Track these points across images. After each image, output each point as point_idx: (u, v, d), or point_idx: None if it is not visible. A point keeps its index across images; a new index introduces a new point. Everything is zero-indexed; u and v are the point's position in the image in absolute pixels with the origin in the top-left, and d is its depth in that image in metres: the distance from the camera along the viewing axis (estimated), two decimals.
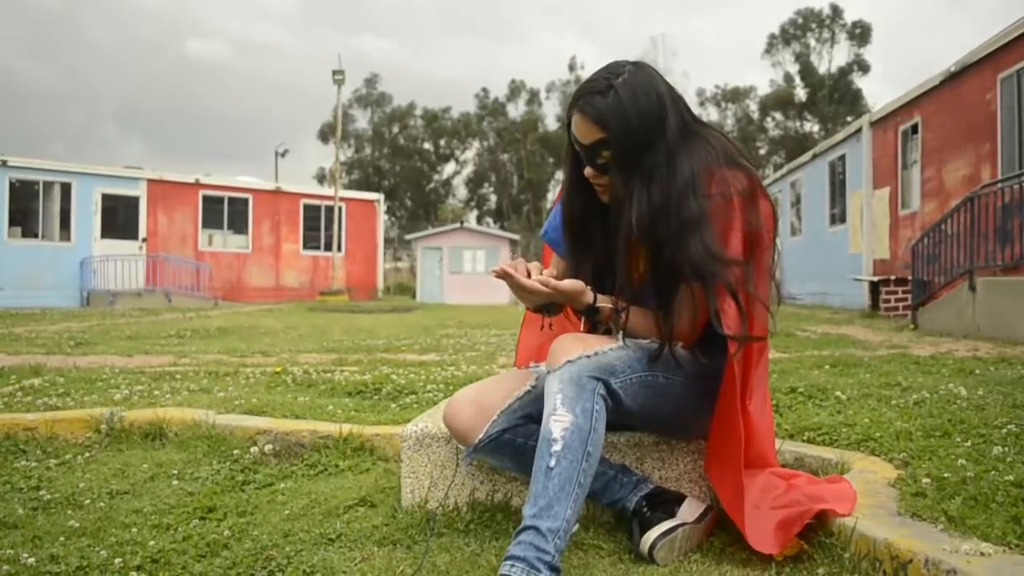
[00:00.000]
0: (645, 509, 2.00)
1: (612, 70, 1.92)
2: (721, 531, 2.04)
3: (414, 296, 29.13)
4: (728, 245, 1.86)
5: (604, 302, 1.99)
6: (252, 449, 2.99)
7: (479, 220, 61.17)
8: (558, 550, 1.65)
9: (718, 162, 1.91)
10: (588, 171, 1.96)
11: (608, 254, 2.04)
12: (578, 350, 1.84)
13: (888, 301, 12.32)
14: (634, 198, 1.90)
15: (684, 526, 1.95)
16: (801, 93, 56.19)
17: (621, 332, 1.96)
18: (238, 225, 24.43)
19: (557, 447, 1.72)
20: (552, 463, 1.71)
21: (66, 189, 20.75)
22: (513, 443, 2.07)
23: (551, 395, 1.80)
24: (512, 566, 1.61)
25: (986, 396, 3.44)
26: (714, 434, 2.03)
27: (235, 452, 2.99)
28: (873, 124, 15.14)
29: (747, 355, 1.93)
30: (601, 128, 1.88)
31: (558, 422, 1.75)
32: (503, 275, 1.91)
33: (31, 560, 1.91)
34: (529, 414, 2.09)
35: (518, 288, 1.92)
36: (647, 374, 1.91)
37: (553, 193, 62.20)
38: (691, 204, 1.86)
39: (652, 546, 1.89)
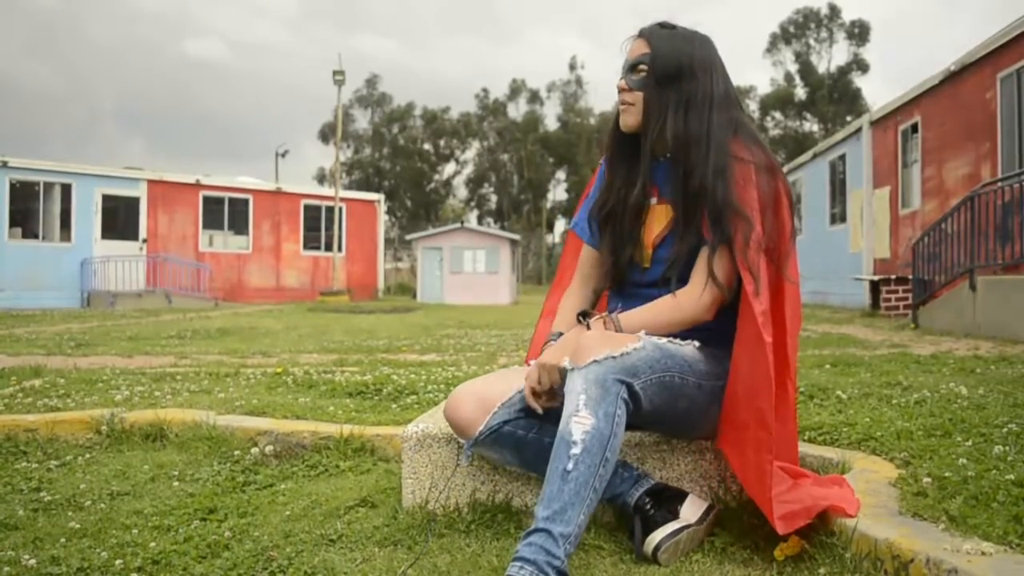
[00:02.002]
0: (648, 507, 1.99)
1: (688, 28, 2.14)
2: (722, 530, 2.04)
3: (415, 296, 29.11)
4: (744, 202, 1.96)
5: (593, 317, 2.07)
6: (253, 450, 2.99)
7: (479, 220, 61.23)
8: (567, 555, 1.65)
9: (745, 135, 2.07)
10: (619, 83, 2.11)
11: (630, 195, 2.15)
12: (605, 349, 1.82)
13: (888, 300, 12.31)
14: (668, 114, 2.04)
15: (688, 528, 1.94)
16: (801, 92, 56.20)
17: (644, 331, 1.97)
18: (238, 226, 24.42)
19: (576, 450, 1.71)
20: (570, 466, 1.70)
21: (66, 190, 20.75)
22: (513, 436, 2.07)
23: (574, 394, 1.78)
24: (521, 568, 1.60)
25: (987, 395, 3.43)
26: (737, 406, 1.99)
27: (236, 453, 2.99)
28: (873, 123, 15.14)
29: (780, 321, 1.96)
30: (647, 44, 2.08)
31: (579, 424, 1.73)
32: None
33: (32, 562, 1.91)
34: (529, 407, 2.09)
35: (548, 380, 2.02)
36: (665, 374, 1.90)
37: (553, 193, 62.28)
38: (726, 149, 2.01)
39: (657, 547, 1.88)
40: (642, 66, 2.07)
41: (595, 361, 1.80)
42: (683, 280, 2.06)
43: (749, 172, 1.99)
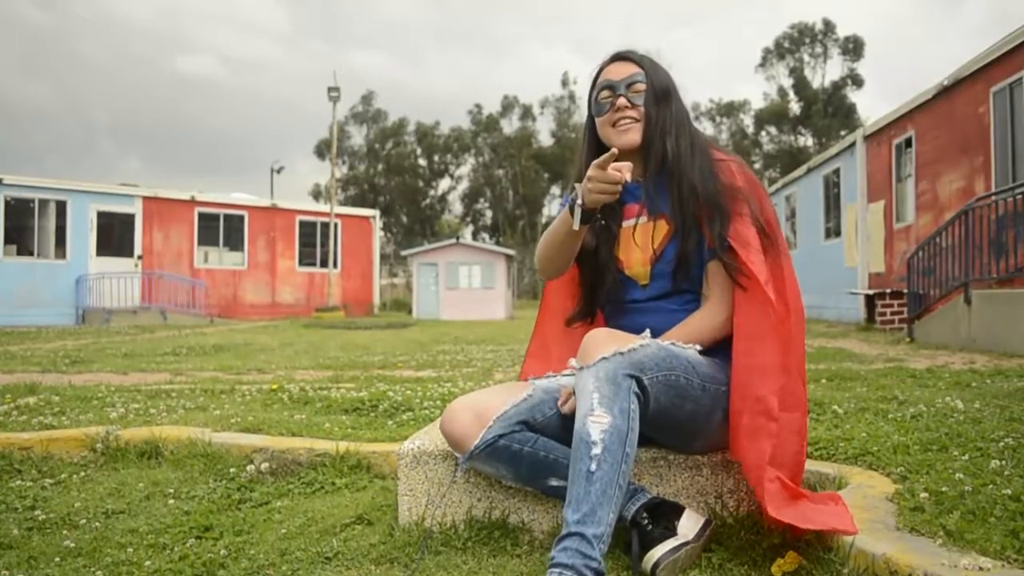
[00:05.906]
0: (646, 522, 1.98)
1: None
2: (719, 547, 2.03)
3: (410, 312, 29.07)
4: (736, 188, 2.12)
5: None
6: (248, 467, 2.98)
7: (474, 235, 61.28)
8: (602, 555, 1.68)
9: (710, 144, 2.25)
10: (621, 102, 2.14)
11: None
12: (612, 346, 1.85)
13: (884, 314, 12.34)
14: (670, 129, 2.15)
15: (687, 545, 1.94)
16: (795, 107, 56.48)
17: (648, 331, 2.01)
18: (234, 242, 24.42)
19: (597, 450, 1.74)
20: (593, 467, 1.72)
21: (61, 207, 20.73)
22: (508, 449, 2.07)
23: (586, 393, 1.81)
24: (560, 573, 1.63)
25: (983, 409, 3.44)
26: (746, 398, 1.99)
27: (231, 470, 2.98)
28: (867, 138, 15.21)
29: (782, 292, 2.05)
30: (636, 65, 2.17)
31: (596, 423, 1.76)
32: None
33: None
34: (525, 421, 2.10)
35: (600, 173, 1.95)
36: (671, 373, 1.93)
37: (549, 208, 62.34)
38: (709, 154, 2.18)
39: (656, 564, 1.87)
40: (639, 84, 2.14)
41: (604, 358, 1.83)
42: (687, 279, 2.15)
43: (731, 168, 2.16)
